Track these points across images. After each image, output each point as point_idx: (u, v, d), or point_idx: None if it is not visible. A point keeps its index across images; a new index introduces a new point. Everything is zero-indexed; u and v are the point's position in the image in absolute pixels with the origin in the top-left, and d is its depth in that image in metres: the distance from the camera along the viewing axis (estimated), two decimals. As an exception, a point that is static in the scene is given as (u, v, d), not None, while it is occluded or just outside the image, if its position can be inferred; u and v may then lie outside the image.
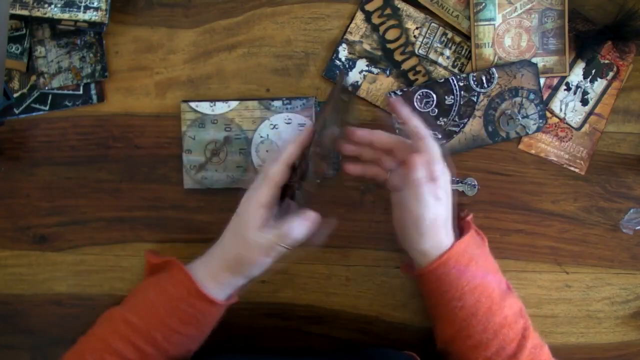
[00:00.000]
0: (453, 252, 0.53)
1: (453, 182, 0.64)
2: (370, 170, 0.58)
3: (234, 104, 0.61)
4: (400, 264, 0.63)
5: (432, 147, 0.54)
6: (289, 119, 0.56)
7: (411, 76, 0.63)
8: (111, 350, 0.52)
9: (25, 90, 0.63)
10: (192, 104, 0.62)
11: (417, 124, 0.55)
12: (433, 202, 0.52)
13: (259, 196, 0.53)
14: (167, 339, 0.53)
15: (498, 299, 0.53)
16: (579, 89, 0.63)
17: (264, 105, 0.56)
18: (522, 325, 0.53)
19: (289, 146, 0.54)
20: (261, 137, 0.56)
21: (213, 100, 0.61)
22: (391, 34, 0.62)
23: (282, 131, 0.56)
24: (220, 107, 0.60)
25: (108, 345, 0.52)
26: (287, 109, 0.56)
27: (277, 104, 0.56)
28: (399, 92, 0.62)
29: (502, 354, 0.52)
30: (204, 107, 0.62)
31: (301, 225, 0.53)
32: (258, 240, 0.52)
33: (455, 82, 0.62)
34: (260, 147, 0.57)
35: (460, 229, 0.59)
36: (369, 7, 0.62)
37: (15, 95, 0.63)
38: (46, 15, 0.59)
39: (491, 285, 0.53)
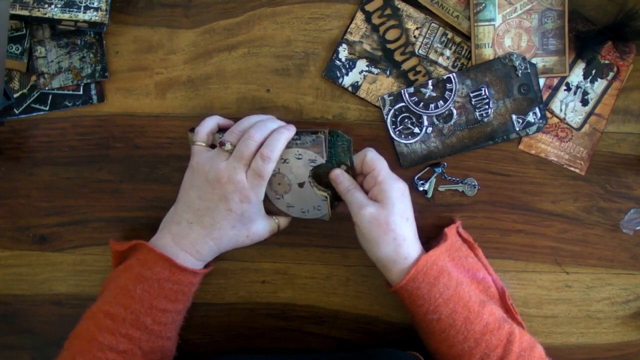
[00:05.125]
0: (420, 266, 0.53)
1: (453, 182, 0.64)
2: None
3: None
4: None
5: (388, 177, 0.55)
6: (300, 154, 0.55)
7: (411, 76, 0.63)
8: (101, 346, 0.52)
9: (25, 91, 0.63)
10: None
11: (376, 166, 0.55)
12: (403, 223, 0.54)
13: (259, 194, 0.55)
14: (157, 320, 0.54)
15: (476, 307, 0.53)
16: (579, 89, 0.63)
17: None
18: (507, 330, 0.53)
19: (275, 143, 0.53)
20: (273, 170, 0.55)
21: (220, 132, 0.58)
22: (391, 34, 0.62)
23: (292, 165, 0.55)
24: None
25: (96, 342, 0.52)
26: (296, 144, 0.55)
27: None
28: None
29: None
30: (216, 139, 0.57)
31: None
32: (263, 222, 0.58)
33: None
34: (272, 180, 0.57)
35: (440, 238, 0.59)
36: (369, 7, 0.62)
37: (16, 95, 0.63)
38: (46, 16, 0.59)
39: (466, 295, 0.53)
